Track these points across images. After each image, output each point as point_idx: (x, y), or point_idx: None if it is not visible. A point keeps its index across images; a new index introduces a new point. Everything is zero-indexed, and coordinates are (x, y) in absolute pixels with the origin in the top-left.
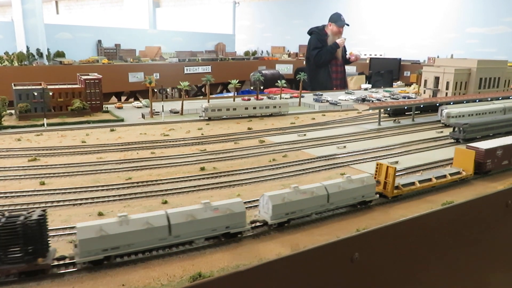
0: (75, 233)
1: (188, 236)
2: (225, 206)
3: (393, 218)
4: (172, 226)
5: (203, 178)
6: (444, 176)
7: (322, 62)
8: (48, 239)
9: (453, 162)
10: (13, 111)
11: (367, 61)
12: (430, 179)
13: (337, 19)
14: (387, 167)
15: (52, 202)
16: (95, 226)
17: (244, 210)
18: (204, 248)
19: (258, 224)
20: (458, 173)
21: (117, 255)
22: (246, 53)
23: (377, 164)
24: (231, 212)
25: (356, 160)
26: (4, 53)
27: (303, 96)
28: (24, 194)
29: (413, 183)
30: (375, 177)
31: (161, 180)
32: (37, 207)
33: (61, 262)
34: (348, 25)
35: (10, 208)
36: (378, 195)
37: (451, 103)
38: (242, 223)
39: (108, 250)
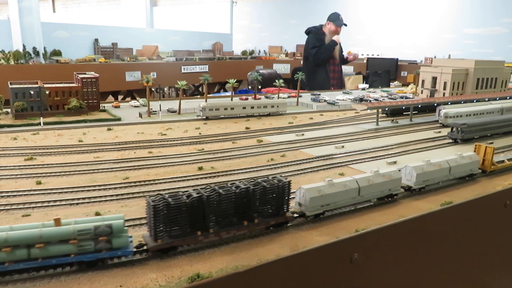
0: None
1: (368, 197)
2: (388, 173)
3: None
4: (360, 188)
5: (201, 178)
6: None
7: (322, 60)
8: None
9: None
10: (9, 110)
11: (365, 61)
12: None
13: (335, 19)
14: (486, 147)
15: (49, 201)
16: (315, 188)
17: (401, 177)
18: (203, 249)
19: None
20: None
21: (328, 210)
22: (244, 52)
23: (476, 145)
24: (393, 178)
25: (354, 160)
26: (0, 52)
27: (301, 96)
28: (20, 193)
29: (503, 161)
30: None
31: (158, 179)
32: (33, 207)
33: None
34: (346, 25)
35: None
36: (480, 170)
37: (449, 103)
38: (398, 187)
39: (324, 206)
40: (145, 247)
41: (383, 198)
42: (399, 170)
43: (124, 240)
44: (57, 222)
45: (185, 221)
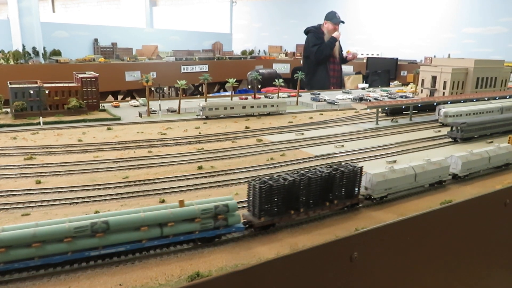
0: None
1: (422, 182)
2: (439, 161)
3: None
4: (417, 174)
5: (201, 177)
6: None
7: (323, 57)
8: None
9: None
10: (8, 110)
11: (364, 61)
12: None
13: (332, 17)
14: None
15: (48, 201)
16: (380, 173)
17: (449, 165)
18: (202, 247)
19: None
20: None
21: (390, 193)
22: (243, 52)
23: (510, 137)
24: (442, 166)
25: (354, 159)
26: (0, 52)
27: (300, 95)
28: (20, 193)
29: None
30: None
31: (158, 179)
32: (33, 206)
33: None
34: (343, 22)
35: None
36: None
37: (449, 103)
38: (447, 174)
39: (387, 189)
40: (247, 225)
41: (433, 184)
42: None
43: (237, 218)
44: (181, 203)
45: (282, 201)
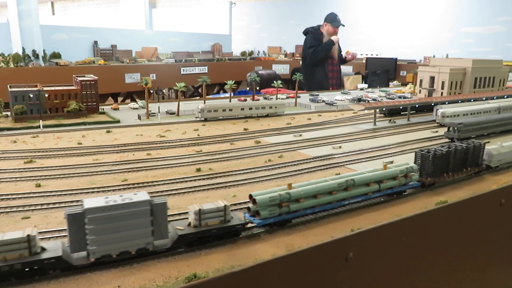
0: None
1: None
2: None
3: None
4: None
5: (199, 179)
6: None
7: (319, 59)
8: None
9: None
10: (9, 113)
11: (364, 61)
12: None
13: (332, 20)
14: None
15: (48, 204)
16: (495, 148)
17: None
18: (200, 249)
19: None
20: None
21: (501, 164)
22: (243, 53)
23: None
24: None
25: (351, 160)
26: (0, 55)
27: (299, 97)
28: (20, 196)
29: None
30: None
31: (156, 181)
32: (33, 209)
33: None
34: (343, 25)
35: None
36: None
37: (446, 103)
38: None
39: (499, 160)
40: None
41: None
42: None
43: (416, 177)
44: (385, 167)
45: (439, 166)
